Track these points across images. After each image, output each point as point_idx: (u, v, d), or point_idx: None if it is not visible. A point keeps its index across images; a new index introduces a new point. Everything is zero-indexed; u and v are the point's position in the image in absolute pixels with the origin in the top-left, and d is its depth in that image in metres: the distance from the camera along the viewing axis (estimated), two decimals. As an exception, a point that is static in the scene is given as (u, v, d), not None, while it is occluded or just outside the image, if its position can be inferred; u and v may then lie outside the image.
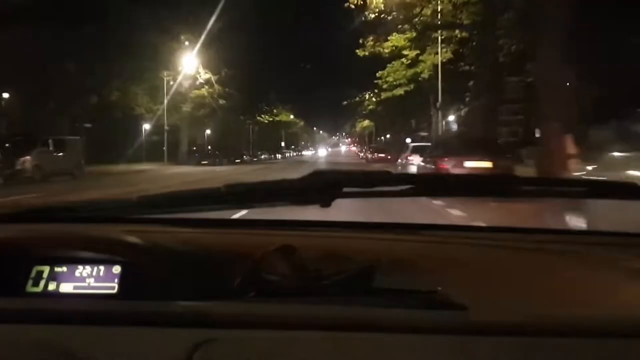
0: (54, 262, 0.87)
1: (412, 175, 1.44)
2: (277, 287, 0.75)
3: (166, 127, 36.12)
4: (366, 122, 69.04)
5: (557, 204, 5.32)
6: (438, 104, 21.97)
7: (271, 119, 61.95)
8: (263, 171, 25.23)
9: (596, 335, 0.65)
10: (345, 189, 0.98)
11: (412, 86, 25.32)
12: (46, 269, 0.86)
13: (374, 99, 46.13)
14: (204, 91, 37.12)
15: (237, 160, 46.36)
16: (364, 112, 52.10)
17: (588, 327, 0.66)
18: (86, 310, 0.74)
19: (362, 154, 63.90)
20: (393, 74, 25.63)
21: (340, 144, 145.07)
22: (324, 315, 0.68)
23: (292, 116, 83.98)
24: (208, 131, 48.55)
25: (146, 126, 39.10)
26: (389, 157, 35.00)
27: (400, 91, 25.96)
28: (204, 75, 36.38)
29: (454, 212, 7.31)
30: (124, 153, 30.72)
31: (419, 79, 24.34)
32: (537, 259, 0.94)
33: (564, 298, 0.77)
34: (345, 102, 50.69)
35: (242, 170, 25.92)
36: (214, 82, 37.18)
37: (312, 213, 1.04)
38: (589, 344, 0.63)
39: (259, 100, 50.45)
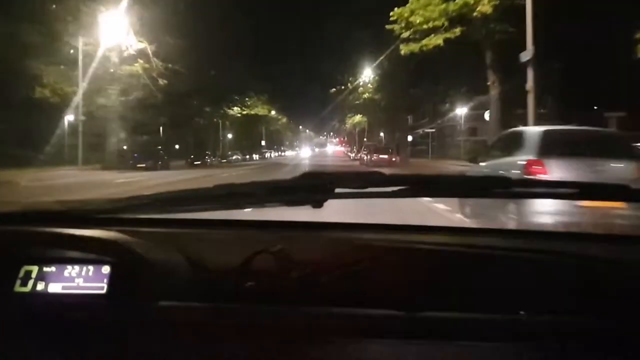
0: (42, 262, 0.88)
1: (405, 176, 1.38)
2: (265, 289, 0.79)
3: (81, 117, 25.78)
4: (358, 117, 58.56)
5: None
6: (528, 54, 11.12)
7: (244, 112, 50.66)
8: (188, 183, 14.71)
9: (573, 336, 0.67)
10: (338, 190, 0.99)
11: (457, 30, 14.08)
12: (35, 269, 0.87)
13: (370, 86, 36.13)
14: (137, 67, 26.65)
15: (196, 163, 36.77)
16: (356, 102, 41.56)
17: (565, 330, 0.69)
18: (75, 310, 0.74)
19: (352, 155, 54.40)
20: (422, 11, 14.27)
21: (328, 144, 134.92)
22: (311, 318, 0.71)
23: (273, 112, 73.25)
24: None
25: (70, 117, 28.71)
26: (393, 158, 26.47)
27: (438, 39, 14.35)
28: (137, 44, 25.95)
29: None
30: (35, 153, 23.82)
31: (473, 15, 13.44)
32: (519, 261, 0.95)
33: (536, 301, 0.80)
34: (333, 89, 40.52)
35: (165, 182, 15.54)
36: (151, 54, 26.73)
37: (304, 214, 1.07)
38: (556, 346, 0.67)
39: (224, 86, 39.32)
